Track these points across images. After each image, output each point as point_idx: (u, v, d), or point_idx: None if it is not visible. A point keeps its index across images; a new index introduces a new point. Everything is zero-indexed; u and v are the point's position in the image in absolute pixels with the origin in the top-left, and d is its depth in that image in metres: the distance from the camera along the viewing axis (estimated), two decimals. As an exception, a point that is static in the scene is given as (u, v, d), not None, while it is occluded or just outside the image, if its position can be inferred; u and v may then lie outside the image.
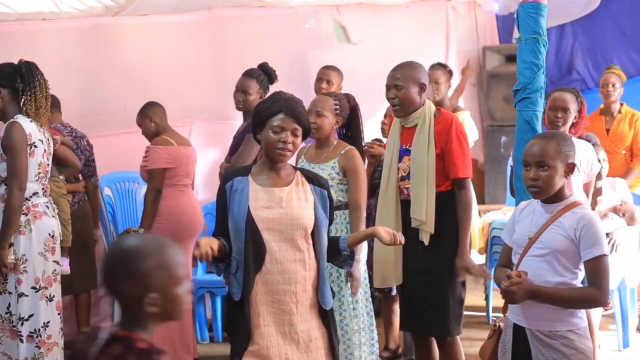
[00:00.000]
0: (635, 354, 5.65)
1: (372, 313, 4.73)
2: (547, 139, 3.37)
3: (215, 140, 6.41)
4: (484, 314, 6.41)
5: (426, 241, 4.28)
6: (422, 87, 4.32)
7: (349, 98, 4.81)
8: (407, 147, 4.36)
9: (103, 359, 2.15)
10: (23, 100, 4.48)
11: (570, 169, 3.31)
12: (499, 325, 3.57)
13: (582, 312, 3.32)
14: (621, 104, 6.79)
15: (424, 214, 4.25)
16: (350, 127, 4.78)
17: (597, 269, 3.22)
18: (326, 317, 3.55)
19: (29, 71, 4.49)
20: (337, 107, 4.66)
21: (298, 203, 3.50)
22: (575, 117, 4.92)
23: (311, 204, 3.49)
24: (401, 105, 4.32)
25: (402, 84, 4.29)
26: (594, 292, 3.23)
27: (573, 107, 4.87)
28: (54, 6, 5.51)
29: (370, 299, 4.72)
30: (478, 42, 8.46)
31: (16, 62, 4.53)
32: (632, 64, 7.89)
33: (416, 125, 4.33)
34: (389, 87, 4.35)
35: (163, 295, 2.20)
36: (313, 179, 3.57)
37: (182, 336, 5.37)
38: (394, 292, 5.24)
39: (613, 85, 6.70)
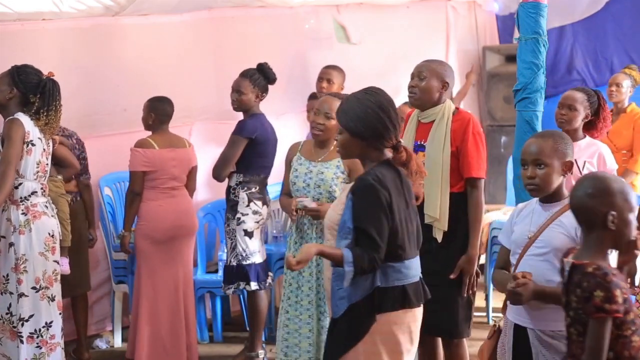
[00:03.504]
0: (635, 354, 5.65)
1: None
2: (543, 137, 3.40)
3: (215, 140, 6.39)
4: (484, 314, 6.41)
5: (439, 238, 4.26)
6: (444, 85, 4.33)
7: None
8: (422, 142, 4.36)
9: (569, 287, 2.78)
10: (35, 110, 4.54)
11: (568, 166, 3.32)
12: (499, 326, 3.56)
13: None
14: (630, 104, 6.73)
15: (438, 211, 4.24)
16: None
17: None
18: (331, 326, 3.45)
19: (51, 92, 4.57)
20: None
21: (335, 202, 3.53)
22: (587, 117, 4.84)
23: (341, 206, 3.36)
24: (420, 95, 4.32)
25: (426, 75, 4.31)
26: None
27: (581, 107, 4.79)
28: (54, 6, 5.51)
29: None
30: (478, 42, 8.46)
31: (45, 73, 4.62)
32: (632, 63, 7.87)
33: (433, 121, 4.34)
34: (412, 76, 4.38)
35: (620, 216, 2.76)
36: (355, 181, 3.43)
37: (173, 340, 5.37)
38: None
39: (617, 86, 6.64)
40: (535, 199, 3.41)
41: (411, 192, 3.41)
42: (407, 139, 4.43)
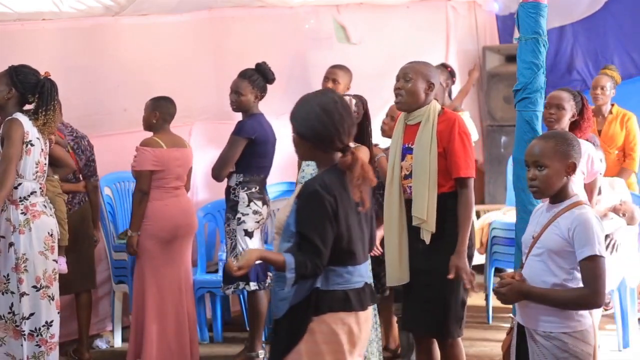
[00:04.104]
0: (635, 354, 5.65)
1: (376, 311, 4.86)
2: (545, 139, 3.39)
3: (215, 140, 6.40)
4: (484, 314, 6.41)
5: (427, 240, 4.26)
6: (430, 86, 4.33)
7: (363, 102, 4.92)
8: (410, 145, 4.35)
9: None
10: (34, 111, 4.58)
11: (571, 168, 3.30)
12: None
13: (582, 315, 3.27)
14: (612, 105, 6.79)
15: (425, 213, 4.23)
16: (360, 130, 4.78)
17: (588, 269, 3.19)
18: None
19: (50, 91, 4.61)
20: (356, 112, 4.72)
21: (285, 204, 3.46)
22: (574, 116, 4.90)
23: (289, 209, 3.32)
24: (405, 97, 4.30)
25: (412, 76, 4.29)
26: (585, 293, 3.20)
27: (568, 106, 4.87)
28: (54, 6, 5.51)
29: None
30: (478, 42, 8.46)
31: (42, 73, 4.64)
32: (633, 63, 7.87)
33: (419, 123, 4.33)
34: (398, 78, 4.35)
35: None
36: (302, 186, 3.40)
37: (178, 339, 5.37)
38: (386, 293, 5.27)
39: (602, 88, 6.69)
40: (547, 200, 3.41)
41: (363, 199, 3.32)
42: (394, 143, 4.44)
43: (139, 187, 5.28)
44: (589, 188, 4.94)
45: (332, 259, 3.23)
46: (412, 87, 4.29)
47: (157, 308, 5.31)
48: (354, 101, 4.82)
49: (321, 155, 3.34)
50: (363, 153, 4.70)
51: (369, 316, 3.41)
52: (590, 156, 4.88)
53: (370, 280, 3.42)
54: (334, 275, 3.26)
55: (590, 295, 3.19)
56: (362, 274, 3.35)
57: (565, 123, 4.88)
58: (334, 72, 6.45)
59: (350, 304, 3.28)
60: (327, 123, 3.26)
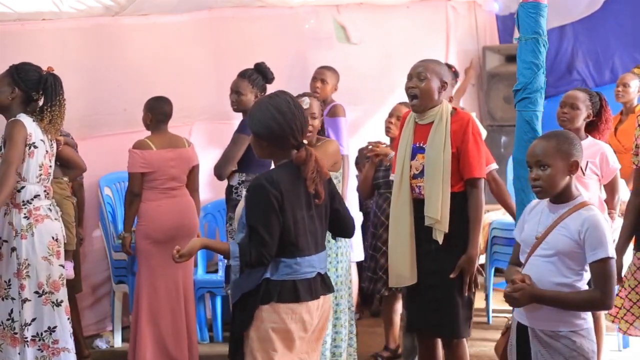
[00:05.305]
0: (636, 354, 5.65)
1: (353, 308, 5.06)
2: (546, 138, 3.37)
3: (215, 140, 6.40)
4: (484, 314, 6.41)
5: (440, 240, 4.23)
6: (443, 85, 4.30)
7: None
8: (421, 144, 4.31)
9: None
10: (40, 108, 4.50)
11: (574, 166, 3.29)
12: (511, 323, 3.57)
13: (586, 314, 3.29)
14: (638, 104, 6.70)
15: (439, 213, 4.20)
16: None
17: (601, 271, 3.19)
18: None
19: (53, 86, 4.51)
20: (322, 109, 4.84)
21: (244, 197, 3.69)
22: (589, 117, 4.85)
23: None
24: (420, 97, 4.26)
25: (426, 75, 4.24)
26: (598, 295, 3.21)
27: (583, 106, 4.82)
28: (54, 6, 5.51)
29: (352, 294, 4.87)
30: (478, 42, 8.47)
31: (44, 68, 4.56)
32: (634, 63, 7.86)
33: (431, 122, 4.29)
34: (410, 77, 4.30)
35: None
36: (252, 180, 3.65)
37: (175, 338, 5.36)
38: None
39: (625, 86, 6.61)
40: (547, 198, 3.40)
41: (318, 192, 3.51)
42: (404, 142, 4.40)
43: (130, 189, 5.29)
44: (610, 187, 4.90)
45: (280, 250, 3.45)
46: (426, 85, 4.24)
47: (152, 309, 5.30)
48: (308, 100, 4.82)
49: (277, 153, 3.56)
50: (332, 146, 4.84)
51: (322, 303, 3.59)
52: (604, 155, 4.84)
53: (325, 271, 3.64)
54: (283, 266, 3.47)
55: (602, 296, 3.20)
56: (314, 265, 3.55)
57: (579, 123, 4.84)
58: (322, 72, 6.47)
59: (299, 295, 3.48)
60: (281, 122, 3.47)
